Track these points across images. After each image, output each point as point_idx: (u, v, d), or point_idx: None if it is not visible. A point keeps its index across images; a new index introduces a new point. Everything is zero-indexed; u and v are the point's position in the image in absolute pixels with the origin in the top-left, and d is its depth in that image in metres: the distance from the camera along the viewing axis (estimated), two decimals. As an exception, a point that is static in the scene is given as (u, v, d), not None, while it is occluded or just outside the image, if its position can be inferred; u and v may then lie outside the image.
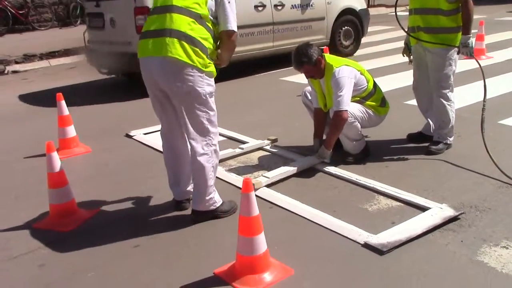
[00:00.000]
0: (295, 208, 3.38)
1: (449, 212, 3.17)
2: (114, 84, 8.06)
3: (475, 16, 4.15)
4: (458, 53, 4.09)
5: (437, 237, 2.96)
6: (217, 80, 3.26)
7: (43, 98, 7.13)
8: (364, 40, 9.59)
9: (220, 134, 4.07)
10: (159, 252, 2.99)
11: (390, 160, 4.15)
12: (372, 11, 12.36)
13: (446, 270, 2.65)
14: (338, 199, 3.54)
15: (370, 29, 9.83)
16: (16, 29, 15.05)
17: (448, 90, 4.15)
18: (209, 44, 3.04)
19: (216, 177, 3.36)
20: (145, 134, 5.19)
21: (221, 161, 3.99)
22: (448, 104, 4.16)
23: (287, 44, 7.93)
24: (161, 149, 4.57)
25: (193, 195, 3.30)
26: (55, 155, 3.34)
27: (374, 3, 16.98)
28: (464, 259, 2.74)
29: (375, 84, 4.17)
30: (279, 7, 7.86)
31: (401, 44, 4.84)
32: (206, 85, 3.06)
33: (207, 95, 3.09)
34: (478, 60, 4.15)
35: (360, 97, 4.06)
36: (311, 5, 8.24)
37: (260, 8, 7.64)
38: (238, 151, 4.46)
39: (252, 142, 4.63)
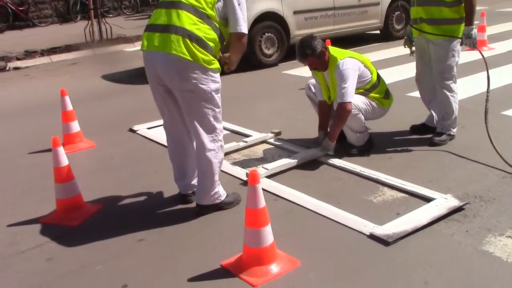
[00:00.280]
0: (300, 200, 3.40)
1: (454, 202, 3.18)
2: (116, 79, 8.06)
3: (476, 7, 4.15)
4: (461, 45, 4.09)
5: (442, 228, 2.97)
6: (220, 74, 3.26)
7: (45, 94, 7.13)
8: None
9: (224, 128, 4.07)
10: (166, 245, 3.01)
11: (394, 151, 4.16)
12: None
13: (451, 260, 2.67)
14: (343, 191, 3.55)
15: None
16: (16, 25, 15.05)
17: (451, 81, 4.15)
18: (214, 44, 3.02)
19: (221, 170, 3.37)
20: (148, 128, 5.20)
21: (225, 154, 3.99)
22: (452, 95, 4.16)
23: (346, 28, 8.76)
24: (165, 143, 4.60)
25: (198, 190, 3.31)
26: (61, 150, 3.35)
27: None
28: (469, 249, 2.76)
29: (378, 76, 4.18)
30: None
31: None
32: (211, 82, 3.05)
33: (213, 92, 3.07)
34: (482, 51, 4.14)
35: (364, 89, 4.06)
36: None
37: None
38: (242, 144, 4.48)
39: (256, 136, 4.64)
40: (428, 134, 4.36)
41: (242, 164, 4.12)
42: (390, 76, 5.93)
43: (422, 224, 2.96)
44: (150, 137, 4.95)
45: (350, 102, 3.87)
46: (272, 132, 4.66)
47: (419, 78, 4.44)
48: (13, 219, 3.44)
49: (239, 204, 3.38)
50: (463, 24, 4.00)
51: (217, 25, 3.04)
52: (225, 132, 4.51)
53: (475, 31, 3.99)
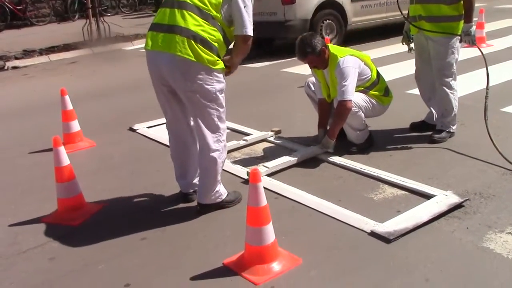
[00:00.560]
0: (300, 198, 3.41)
1: (454, 199, 3.20)
2: (115, 78, 8.06)
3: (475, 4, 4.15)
4: (460, 42, 4.10)
5: (443, 225, 2.99)
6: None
7: (44, 93, 7.13)
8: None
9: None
10: (167, 244, 3.01)
11: (394, 149, 4.17)
12: None
13: (452, 257, 2.68)
14: (343, 189, 3.56)
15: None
16: (14, 24, 15.04)
17: (451, 79, 4.16)
18: (219, 44, 3.01)
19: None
20: (148, 127, 5.21)
21: (226, 153, 4.02)
22: (451, 93, 4.17)
23: (396, 16, 8.98)
24: (165, 142, 4.61)
25: (199, 189, 3.31)
26: (62, 149, 3.36)
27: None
28: (470, 245, 2.77)
29: (378, 73, 4.19)
30: None
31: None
32: (216, 82, 3.05)
33: (217, 92, 3.07)
34: (481, 48, 4.15)
35: (363, 87, 4.07)
36: None
37: None
38: (242, 143, 4.48)
39: (256, 134, 4.65)
40: (428, 131, 4.37)
41: (243, 162, 4.12)
42: (389, 73, 5.94)
43: (423, 221, 2.98)
44: (150, 136, 4.95)
45: (351, 100, 3.87)
46: (272, 131, 4.67)
47: (418, 75, 4.45)
48: (14, 219, 3.45)
49: (240, 203, 3.39)
50: (462, 21, 4.01)
51: (222, 26, 3.03)
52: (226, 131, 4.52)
53: (474, 28, 4.00)
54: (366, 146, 4.17)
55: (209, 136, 3.14)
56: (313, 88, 4.31)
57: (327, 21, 8.56)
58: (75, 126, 4.84)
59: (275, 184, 3.63)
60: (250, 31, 3.05)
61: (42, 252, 3.02)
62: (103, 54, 10.26)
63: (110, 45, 10.78)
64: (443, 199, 3.20)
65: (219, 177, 3.25)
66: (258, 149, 4.43)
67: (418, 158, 3.98)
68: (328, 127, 4.19)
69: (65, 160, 3.36)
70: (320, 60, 3.96)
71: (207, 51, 2.95)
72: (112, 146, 4.80)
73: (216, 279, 2.63)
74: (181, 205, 3.47)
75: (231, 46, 3.17)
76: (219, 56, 3.05)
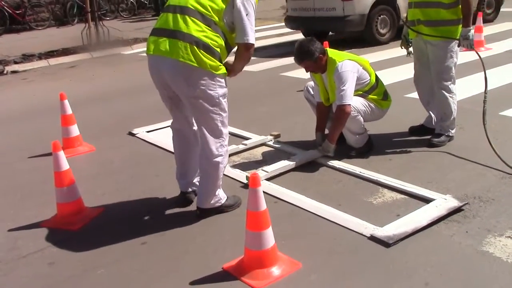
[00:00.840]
0: (300, 202, 3.41)
1: (453, 203, 3.20)
2: (115, 82, 8.07)
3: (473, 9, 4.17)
4: (458, 46, 4.11)
5: (442, 229, 2.99)
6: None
7: (43, 98, 7.13)
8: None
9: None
10: (167, 249, 3.01)
11: (393, 153, 4.17)
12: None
13: (452, 261, 2.68)
14: (343, 193, 3.56)
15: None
16: (13, 29, 15.07)
17: (450, 82, 4.17)
18: (221, 49, 3.02)
19: (221, 173, 3.38)
20: (148, 132, 5.21)
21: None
22: (450, 96, 4.18)
23: None
24: (164, 147, 4.63)
25: (199, 193, 3.32)
26: (62, 154, 3.36)
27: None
28: (469, 249, 2.77)
29: (377, 77, 4.20)
30: None
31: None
32: (219, 87, 3.05)
33: (220, 97, 3.08)
34: (478, 52, 4.17)
35: (362, 91, 4.08)
36: None
37: None
38: (241, 147, 4.49)
39: (255, 138, 4.66)
40: (426, 135, 4.38)
41: (242, 167, 4.13)
42: (388, 77, 5.96)
43: (422, 225, 2.98)
44: (150, 141, 4.95)
45: (349, 104, 3.88)
46: (271, 135, 4.67)
47: (417, 79, 4.46)
48: (14, 224, 3.45)
49: (240, 207, 3.39)
50: (461, 25, 4.02)
51: (224, 32, 3.03)
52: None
53: (472, 32, 4.01)
54: (365, 150, 4.17)
55: (212, 142, 3.14)
56: (312, 92, 4.32)
57: (382, 16, 9.15)
58: (75, 130, 4.85)
59: (275, 189, 3.63)
60: (252, 39, 3.04)
61: (42, 257, 3.02)
62: (102, 58, 10.28)
63: (109, 49, 10.80)
64: (443, 203, 3.20)
65: (219, 182, 3.25)
66: (258, 153, 4.44)
67: (417, 162, 3.98)
68: (326, 131, 4.20)
69: (65, 165, 3.36)
70: (316, 66, 3.97)
71: (210, 56, 2.95)
72: (112, 151, 4.81)
73: (216, 284, 2.63)
74: (180, 210, 3.47)
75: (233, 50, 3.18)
76: (221, 61, 3.06)
